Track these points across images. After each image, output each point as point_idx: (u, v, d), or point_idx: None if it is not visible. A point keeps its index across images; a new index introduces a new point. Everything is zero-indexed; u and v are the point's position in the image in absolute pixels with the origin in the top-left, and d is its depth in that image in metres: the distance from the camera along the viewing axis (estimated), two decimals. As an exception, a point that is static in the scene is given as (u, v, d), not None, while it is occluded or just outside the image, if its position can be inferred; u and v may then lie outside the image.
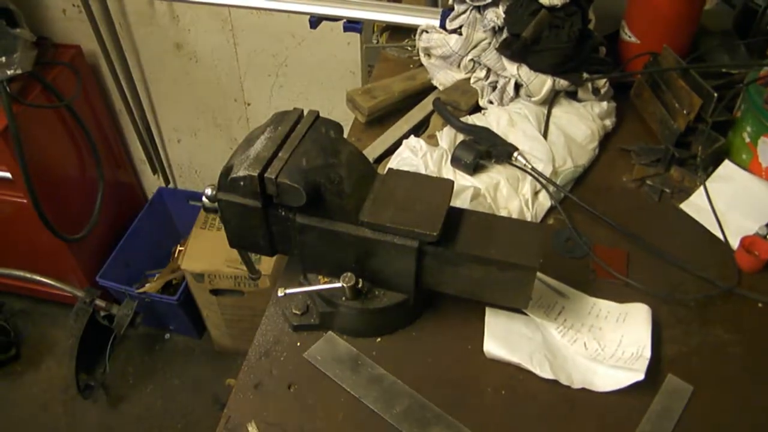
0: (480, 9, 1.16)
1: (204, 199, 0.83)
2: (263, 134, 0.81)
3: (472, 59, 1.20)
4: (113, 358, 2.30)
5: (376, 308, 0.85)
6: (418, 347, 0.87)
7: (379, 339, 0.88)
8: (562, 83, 1.13)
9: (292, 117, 0.83)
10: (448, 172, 1.04)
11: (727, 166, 1.08)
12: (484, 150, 1.03)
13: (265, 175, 0.75)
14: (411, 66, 1.37)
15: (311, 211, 0.80)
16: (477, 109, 1.19)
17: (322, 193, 0.77)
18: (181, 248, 2.46)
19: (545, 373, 0.82)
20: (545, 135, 1.10)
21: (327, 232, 0.80)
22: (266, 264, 2.08)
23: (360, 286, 0.83)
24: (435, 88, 1.26)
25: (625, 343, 0.86)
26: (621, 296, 0.92)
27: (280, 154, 0.77)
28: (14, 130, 1.88)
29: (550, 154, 1.06)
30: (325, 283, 0.86)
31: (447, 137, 1.10)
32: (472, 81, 1.21)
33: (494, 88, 1.19)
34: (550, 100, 1.16)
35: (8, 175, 2.05)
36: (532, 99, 1.14)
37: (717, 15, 1.37)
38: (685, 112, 1.09)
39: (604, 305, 0.92)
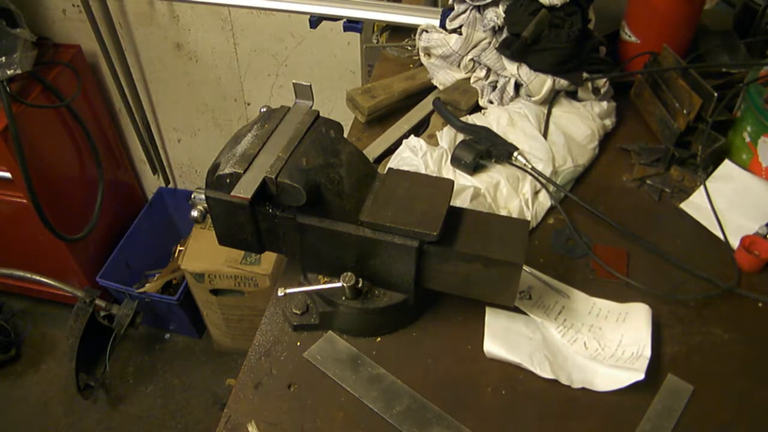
0: (480, 9, 1.16)
1: (194, 213, 0.84)
2: (250, 132, 0.81)
3: (472, 59, 1.20)
4: (113, 358, 2.30)
5: (376, 308, 0.85)
6: (418, 347, 0.87)
7: (379, 339, 0.88)
8: (562, 83, 1.13)
9: (279, 114, 0.84)
10: (448, 171, 1.04)
11: (727, 166, 1.08)
12: (484, 150, 1.03)
13: (266, 174, 0.75)
14: (411, 66, 1.37)
15: (311, 211, 0.80)
16: (477, 108, 1.19)
17: (322, 192, 0.77)
18: (181, 248, 2.46)
19: (545, 372, 0.82)
20: (545, 134, 1.10)
21: (327, 231, 0.80)
22: (266, 264, 2.08)
23: (360, 285, 0.83)
24: (435, 87, 1.26)
25: (625, 343, 0.86)
26: (621, 296, 0.92)
27: (279, 154, 0.77)
28: (14, 130, 1.88)
29: (550, 154, 1.06)
30: (325, 282, 0.86)
31: (447, 137, 1.10)
32: (472, 81, 1.21)
33: (494, 88, 1.19)
34: (550, 100, 1.15)
35: (8, 175, 2.05)
36: (532, 99, 1.14)
37: (717, 15, 1.37)
38: (685, 111, 1.09)
39: (604, 305, 0.92)
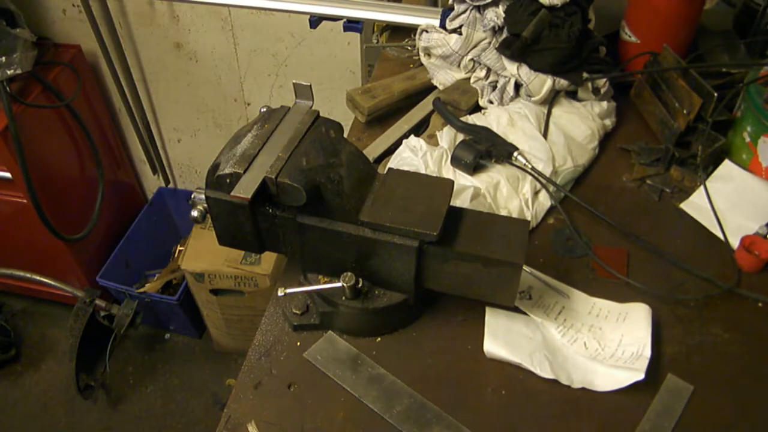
0: (480, 9, 1.16)
1: (194, 213, 0.84)
2: (250, 132, 0.81)
3: (472, 59, 1.20)
4: (113, 358, 2.30)
5: (376, 308, 0.85)
6: (418, 347, 0.87)
7: (379, 339, 0.88)
8: (562, 83, 1.13)
9: (279, 114, 0.84)
10: (448, 171, 1.04)
11: (727, 166, 1.08)
12: (484, 150, 1.03)
13: (266, 174, 0.75)
14: (411, 66, 1.37)
15: (311, 211, 0.80)
16: (477, 108, 1.19)
17: (322, 192, 0.77)
18: (181, 248, 2.46)
19: (545, 372, 0.82)
20: (545, 134, 1.10)
21: (327, 231, 0.80)
22: (266, 264, 2.08)
23: (360, 285, 0.83)
24: (435, 87, 1.26)
25: (625, 343, 0.86)
26: (621, 296, 0.92)
27: (279, 154, 0.77)
28: (14, 130, 1.88)
29: (550, 154, 1.06)
30: (325, 282, 0.86)
31: (447, 137, 1.10)
32: (472, 81, 1.21)
33: (494, 88, 1.19)
34: (550, 100, 1.15)
35: (8, 175, 2.05)
36: (532, 99, 1.14)
37: (717, 15, 1.37)
38: (685, 111, 1.09)
39: (604, 305, 0.92)
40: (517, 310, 0.89)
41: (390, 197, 0.81)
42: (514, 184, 1.03)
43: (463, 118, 1.14)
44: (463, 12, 1.18)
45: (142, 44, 2.26)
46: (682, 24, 1.22)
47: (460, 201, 0.96)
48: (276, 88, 2.27)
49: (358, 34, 1.55)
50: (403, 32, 1.48)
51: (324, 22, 1.44)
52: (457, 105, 1.18)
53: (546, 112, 1.14)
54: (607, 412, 0.80)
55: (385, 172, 0.86)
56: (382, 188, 0.82)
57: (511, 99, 1.17)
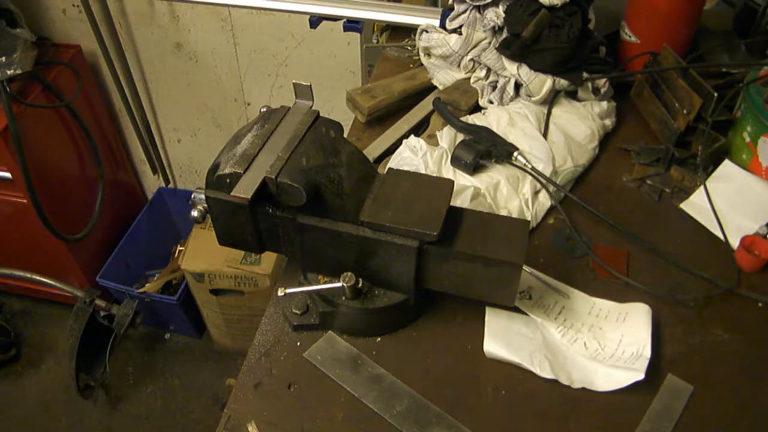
0: (480, 9, 1.16)
1: (194, 213, 0.84)
2: (250, 132, 0.81)
3: (472, 59, 1.20)
4: (113, 358, 2.30)
5: (376, 308, 0.85)
6: (418, 347, 0.87)
7: (379, 339, 0.88)
8: (562, 83, 1.13)
9: (279, 114, 0.84)
10: (448, 171, 1.04)
11: (727, 166, 1.07)
12: (484, 150, 1.03)
13: (266, 174, 0.75)
14: (411, 66, 1.37)
15: (311, 211, 0.80)
16: (477, 108, 1.19)
17: (323, 192, 0.77)
18: (181, 248, 2.46)
19: (545, 373, 0.82)
20: (545, 134, 1.10)
21: (327, 231, 0.81)
22: (266, 264, 2.08)
23: (360, 285, 0.83)
24: (435, 87, 1.26)
25: (625, 343, 0.86)
26: (621, 296, 0.92)
27: (279, 154, 0.77)
28: (14, 130, 1.88)
29: (550, 154, 1.06)
30: (325, 282, 0.86)
31: (447, 137, 1.10)
32: (472, 81, 1.21)
33: (494, 88, 1.19)
34: (550, 100, 1.15)
35: (8, 175, 2.05)
36: (532, 99, 1.14)
37: (717, 15, 1.38)
38: (685, 111, 1.09)
39: (604, 305, 0.92)
40: (517, 310, 0.89)
41: (390, 197, 0.81)
42: (514, 184, 1.03)
43: (463, 118, 1.14)
44: (463, 12, 1.18)
45: (142, 44, 2.26)
46: (682, 24, 1.22)
47: (460, 201, 0.96)
48: (276, 88, 2.27)
49: (358, 34, 1.55)
50: (403, 32, 1.48)
51: (324, 22, 1.44)
52: (457, 105, 1.18)
53: (546, 112, 1.14)
54: (607, 412, 0.80)
55: (385, 172, 0.86)
56: (382, 188, 0.82)
57: (511, 99, 1.17)
